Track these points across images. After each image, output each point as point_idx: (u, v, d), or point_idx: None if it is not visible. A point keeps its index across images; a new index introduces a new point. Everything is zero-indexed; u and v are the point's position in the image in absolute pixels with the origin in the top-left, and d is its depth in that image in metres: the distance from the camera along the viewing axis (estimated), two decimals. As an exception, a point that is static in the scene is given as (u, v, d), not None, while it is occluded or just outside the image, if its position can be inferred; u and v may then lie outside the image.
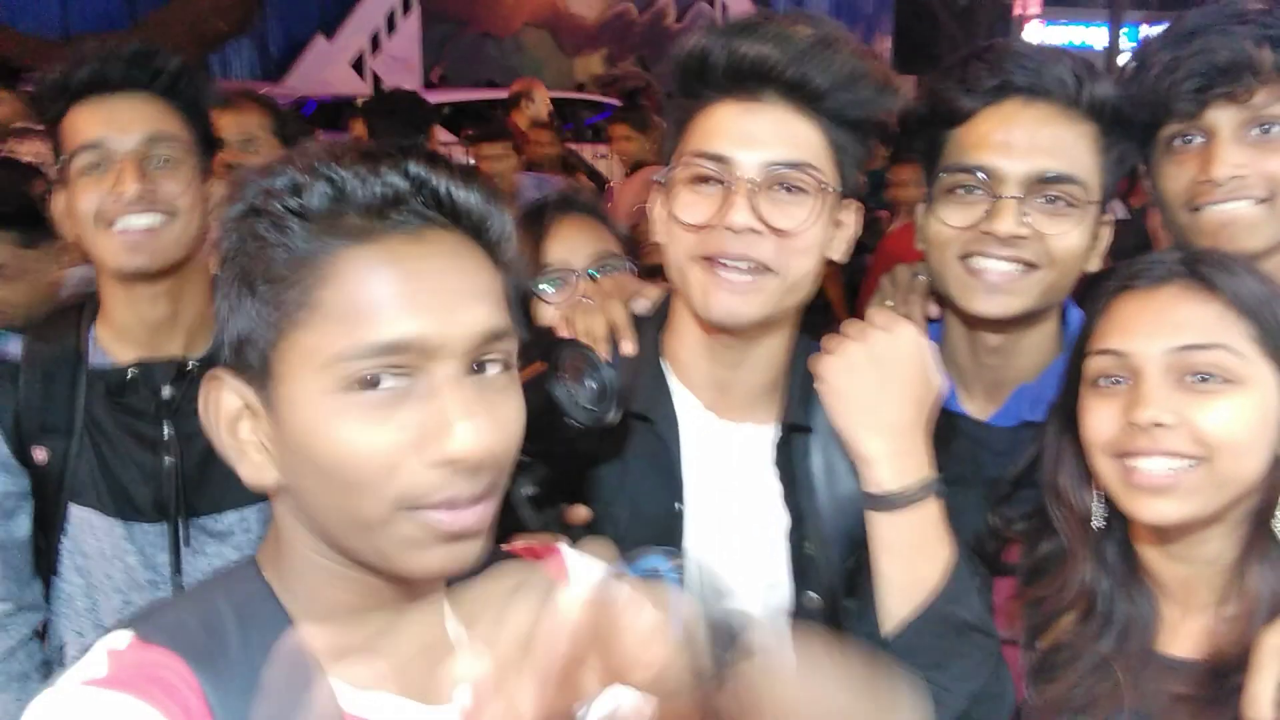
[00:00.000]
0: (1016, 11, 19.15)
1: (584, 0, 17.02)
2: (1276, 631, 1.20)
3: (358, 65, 14.44)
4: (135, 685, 0.86)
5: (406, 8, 15.11)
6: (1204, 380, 1.25)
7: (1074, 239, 1.52)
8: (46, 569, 1.85)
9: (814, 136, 1.36)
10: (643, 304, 1.60)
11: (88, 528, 1.81)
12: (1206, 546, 1.30)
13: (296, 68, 13.08)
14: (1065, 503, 1.39)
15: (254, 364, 0.93)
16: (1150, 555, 1.35)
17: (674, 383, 1.48)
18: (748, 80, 1.36)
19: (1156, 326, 1.29)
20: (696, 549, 1.45)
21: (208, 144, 1.88)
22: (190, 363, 1.85)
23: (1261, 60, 1.50)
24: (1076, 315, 1.64)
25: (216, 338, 1.00)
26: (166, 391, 1.82)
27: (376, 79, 14.59)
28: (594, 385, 1.35)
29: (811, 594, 1.46)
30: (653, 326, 1.52)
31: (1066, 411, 1.37)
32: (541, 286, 1.94)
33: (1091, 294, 1.42)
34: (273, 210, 0.90)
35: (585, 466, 1.44)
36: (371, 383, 0.87)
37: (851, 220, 1.44)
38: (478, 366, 0.92)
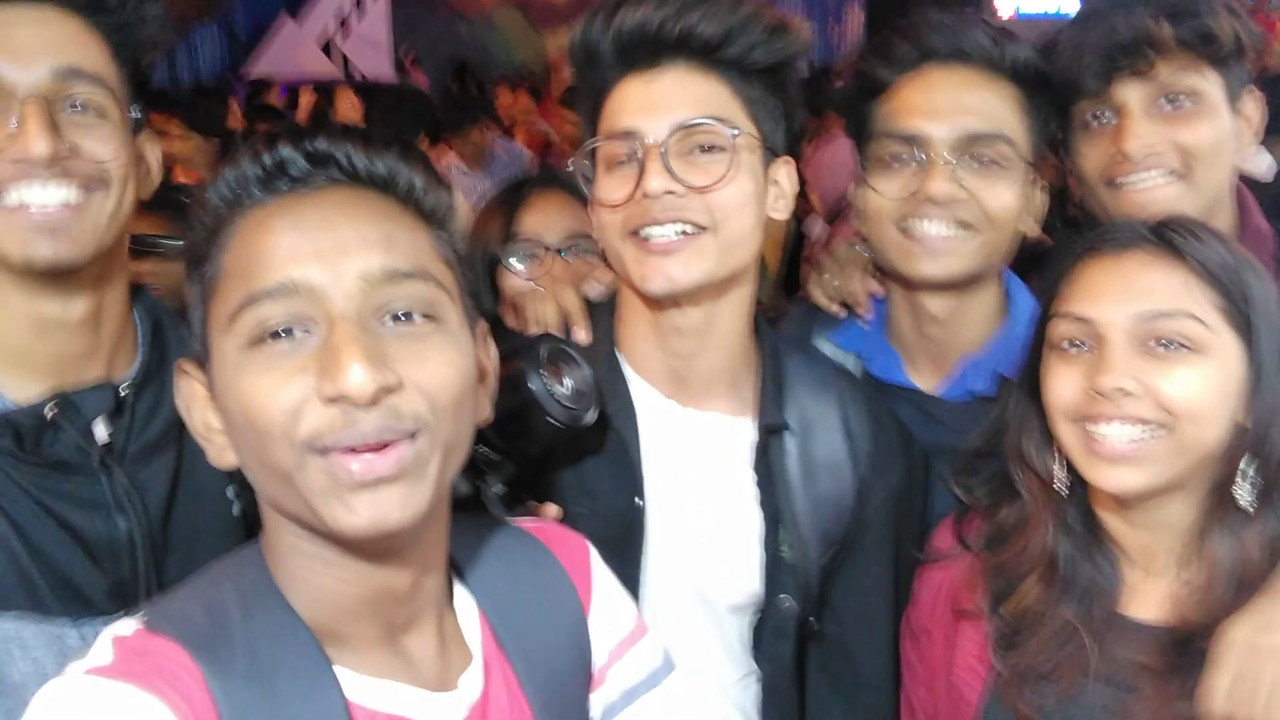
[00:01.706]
0: (988, -19, 19.11)
1: (555, -23, 16.85)
2: (1237, 626, 1.22)
3: (326, 48, 14.26)
4: (138, 674, 0.87)
5: (375, -12, 14.92)
6: (1168, 347, 1.26)
7: (1007, 198, 1.55)
8: None
9: (719, 91, 1.35)
10: (596, 288, 1.57)
11: (16, 649, 1.24)
12: (1166, 511, 1.32)
13: (264, 52, 12.89)
14: (1028, 467, 1.40)
15: (200, 346, 0.99)
16: (1111, 520, 1.37)
17: (629, 373, 1.45)
18: (638, 50, 1.35)
19: (1122, 293, 1.30)
20: (659, 547, 1.42)
21: (138, 85, 1.35)
22: (123, 388, 1.34)
23: (1162, 35, 1.53)
24: (1017, 285, 1.67)
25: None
26: (102, 432, 1.30)
27: (346, 61, 14.43)
28: (572, 383, 1.32)
29: (786, 597, 1.45)
30: (605, 314, 1.50)
31: (1030, 376, 1.38)
32: (509, 259, 1.91)
33: (1052, 259, 1.45)
34: (202, 197, 0.98)
35: (545, 462, 1.42)
36: (272, 334, 0.91)
37: (786, 177, 1.42)
38: (401, 316, 0.94)
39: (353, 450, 0.91)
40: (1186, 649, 1.26)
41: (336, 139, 0.98)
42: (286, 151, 0.96)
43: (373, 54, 14.48)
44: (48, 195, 1.22)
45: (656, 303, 1.39)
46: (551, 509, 1.40)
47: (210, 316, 0.97)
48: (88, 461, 1.28)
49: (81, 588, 1.28)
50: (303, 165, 0.96)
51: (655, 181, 1.31)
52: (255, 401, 0.91)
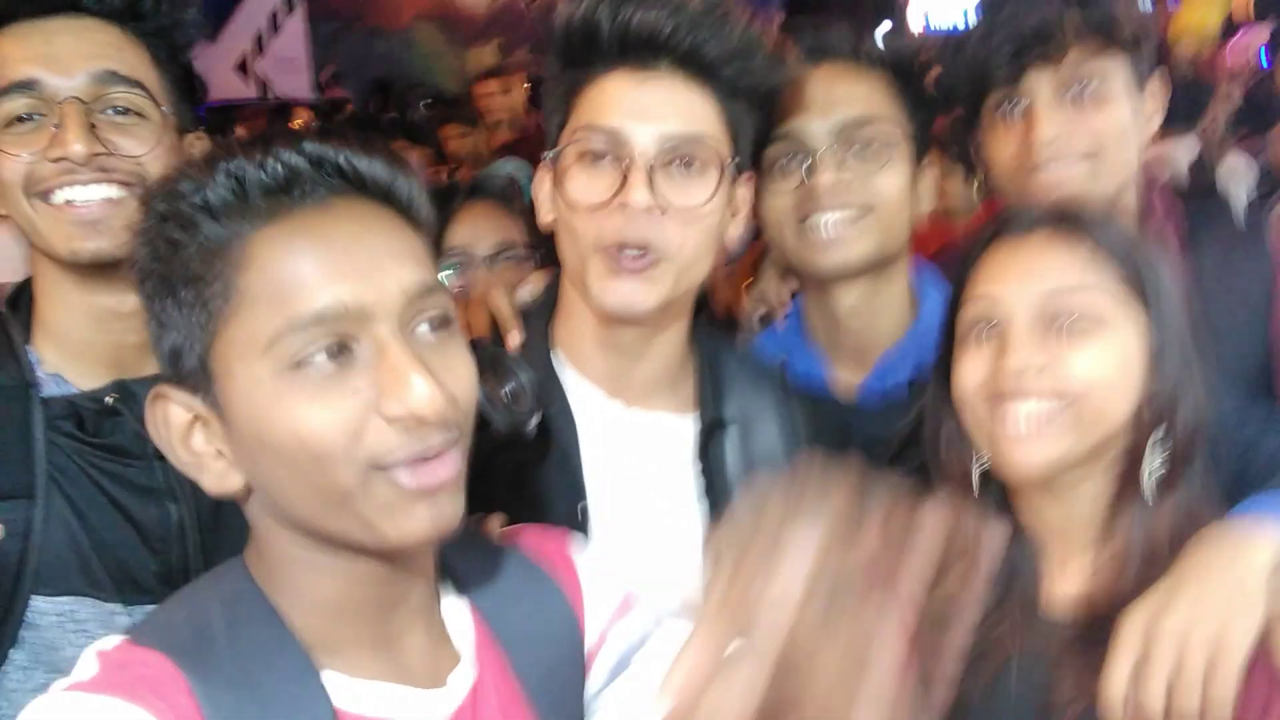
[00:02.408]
0: (901, -17, 19.46)
1: (473, -9, 16.80)
2: (1136, 611, 1.25)
3: (242, 68, 14.04)
4: (123, 687, 0.87)
5: (290, 6, 14.72)
6: (1072, 323, 1.31)
7: (892, 176, 1.63)
8: None
9: (709, 108, 1.36)
10: (527, 291, 1.58)
11: (69, 623, 1.35)
12: (1082, 488, 1.36)
13: (179, 74, 12.66)
14: (945, 461, 1.44)
15: (193, 371, 0.95)
16: (1027, 500, 1.41)
17: (569, 374, 1.46)
18: (639, 50, 1.34)
19: (1025, 273, 1.34)
20: (605, 547, 1.43)
21: (185, 89, 1.49)
22: None
23: (1068, 22, 1.60)
24: (927, 276, 1.72)
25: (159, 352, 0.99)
26: None
27: (263, 83, 14.21)
28: (512, 389, 1.32)
29: None
30: (540, 316, 1.50)
31: (945, 364, 1.41)
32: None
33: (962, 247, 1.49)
34: (180, 212, 0.92)
35: (485, 470, 1.41)
36: (315, 357, 0.90)
37: (744, 197, 1.44)
38: (430, 324, 0.96)
39: (412, 463, 0.93)
40: (1103, 621, 1.29)
41: (333, 143, 0.97)
42: (294, 160, 0.94)
43: (291, 74, 14.26)
44: (89, 193, 1.34)
45: (605, 316, 1.40)
46: (495, 521, 1.39)
47: (224, 340, 0.94)
48: (144, 448, 1.38)
49: (134, 571, 1.37)
50: (310, 173, 0.94)
51: (639, 195, 1.30)
52: (308, 426, 0.90)
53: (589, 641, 1.21)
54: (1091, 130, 1.64)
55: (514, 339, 1.52)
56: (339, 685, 0.99)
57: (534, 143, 7.10)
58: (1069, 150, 1.64)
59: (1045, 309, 1.31)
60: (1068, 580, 1.40)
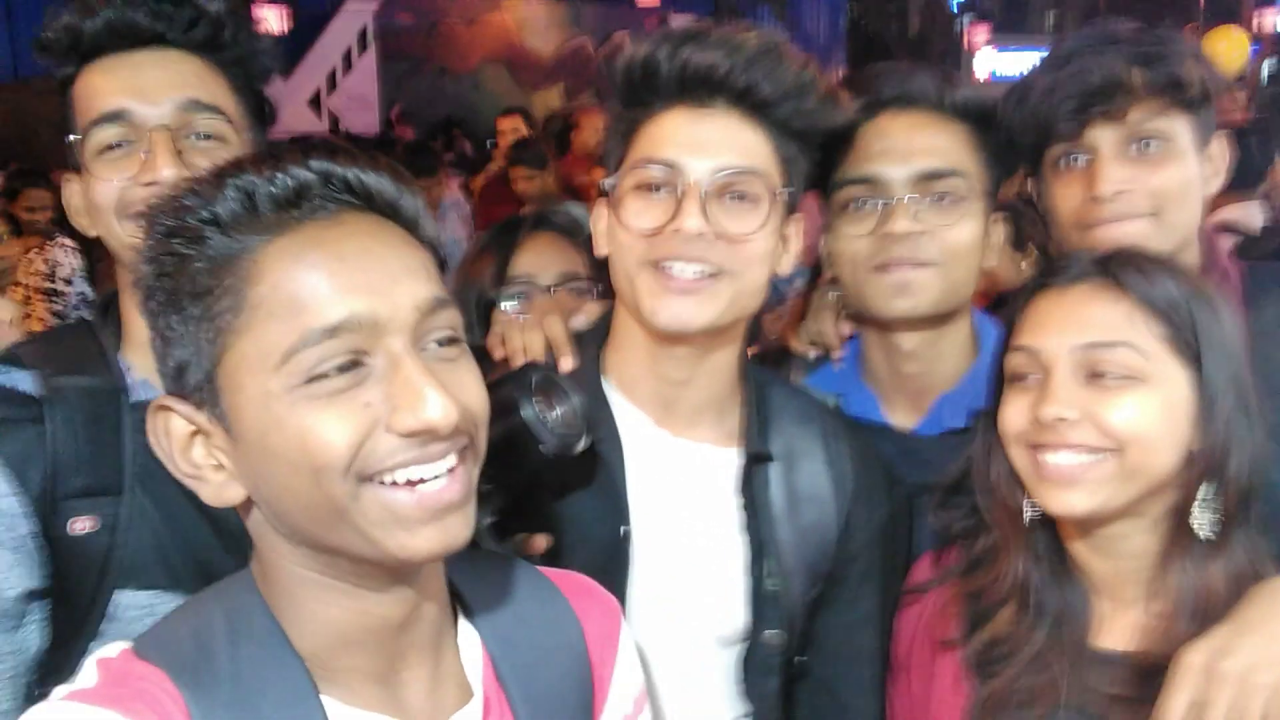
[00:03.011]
0: (967, 40, 19.50)
1: (540, 35, 17.15)
2: (1195, 650, 1.21)
3: (315, 103, 14.42)
4: (121, 699, 0.86)
5: (364, 46, 15.13)
6: (1108, 376, 1.29)
7: (964, 231, 1.59)
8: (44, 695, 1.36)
9: (763, 145, 1.38)
10: (581, 320, 1.58)
11: (149, 617, 1.34)
12: (1130, 542, 1.34)
13: (253, 107, 13.02)
14: (997, 498, 1.41)
15: (198, 384, 0.93)
16: (1077, 549, 1.38)
17: (618, 399, 1.46)
18: (697, 88, 1.36)
19: (1065, 324, 1.33)
20: (644, 577, 1.43)
21: (260, 114, 1.52)
22: None
23: (1134, 80, 1.56)
24: (985, 321, 1.70)
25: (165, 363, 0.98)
26: None
27: (334, 118, 14.57)
28: (563, 411, 1.33)
29: (773, 632, 1.44)
30: (593, 342, 1.51)
31: (993, 409, 1.41)
32: (503, 302, 1.92)
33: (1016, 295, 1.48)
34: (187, 226, 0.91)
35: (530, 490, 1.40)
36: (330, 371, 0.88)
37: (796, 233, 1.44)
38: (442, 341, 0.93)
39: (411, 483, 0.90)
40: (1154, 680, 1.26)
41: (341, 159, 0.95)
42: (302, 174, 0.92)
43: (361, 110, 14.64)
44: None
45: (657, 334, 1.41)
46: (541, 540, 1.39)
47: (234, 353, 0.90)
48: None
49: (212, 567, 1.35)
50: (319, 188, 0.92)
51: (692, 221, 1.32)
52: (313, 438, 0.88)
53: (602, 692, 1.17)
54: (1152, 189, 1.58)
55: (567, 363, 1.51)
56: (335, 711, 0.95)
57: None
58: (1129, 208, 1.58)
59: (1084, 361, 1.30)
60: (1119, 630, 1.35)
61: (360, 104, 14.92)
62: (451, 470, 0.92)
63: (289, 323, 0.88)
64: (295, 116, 13.45)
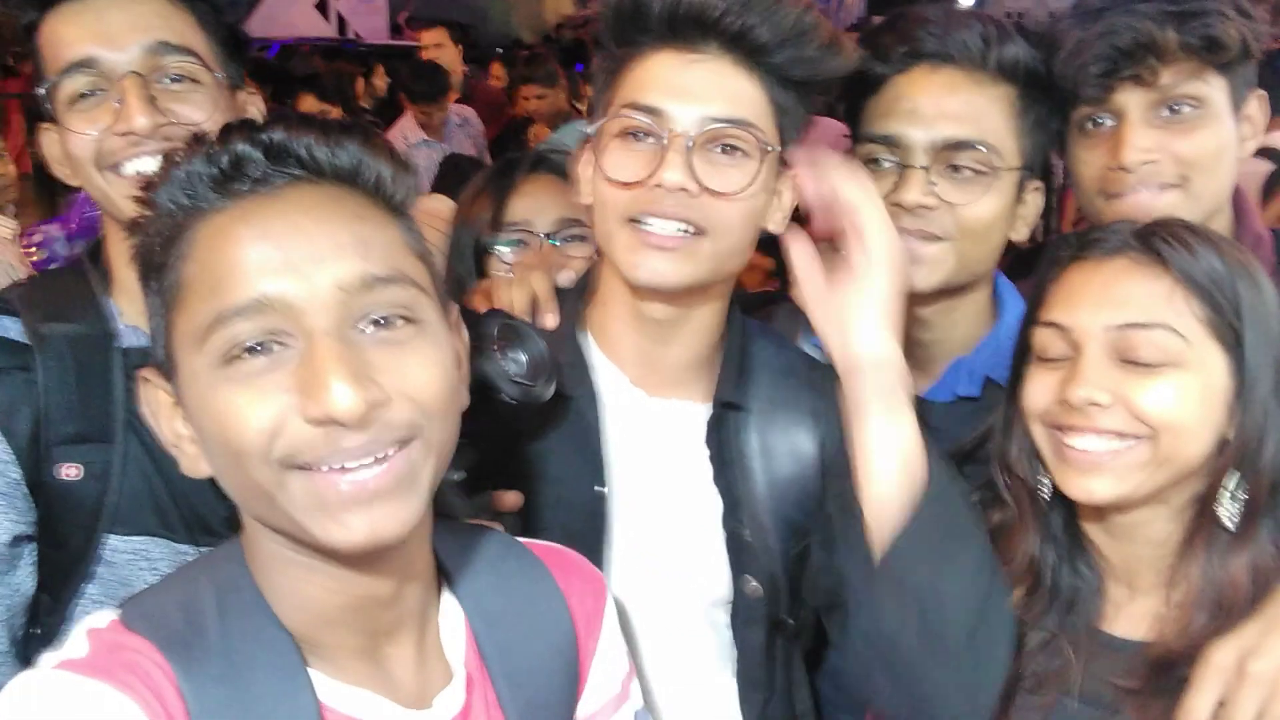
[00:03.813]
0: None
1: (554, -62, 16.69)
2: (1223, 648, 1.17)
3: (322, 7, 14.12)
4: (111, 671, 0.85)
5: (371, -54, 14.76)
6: (1144, 359, 1.22)
7: (983, 208, 1.49)
8: (44, 636, 1.37)
9: (755, 93, 1.30)
10: (566, 276, 1.54)
11: (143, 561, 1.40)
12: (1150, 528, 1.29)
13: (260, 10, 12.74)
14: (1014, 473, 1.37)
15: (162, 358, 0.93)
16: (1094, 532, 1.34)
17: (599, 357, 1.42)
18: (687, 29, 1.29)
19: (1100, 301, 1.25)
20: (623, 534, 1.40)
21: (233, 47, 1.47)
22: None
23: (1165, 41, 1.46)
24: (1007, 287, 1.64)
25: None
26: None
27: (342, 21, 14.28)
28: (525, 358, 1.29)
29: (750, 579, 1.41)
30: (573, 299, 1.46)
31: (1016, 381, 1.35)
32: (498, 246, 1.87)
33: (1041, 262, 1.41)
34: (148, 201, 0.92)
35: (509, 448, 1.37)
36: (248, 351, 0.86)
37: (790, 189, 1.39)
38: (381, 321, 0.89)
39: (341, 469, 0.88)
40: (1169, 672, 1.22)
41: (295, 130, 0.92)
42: (243, 148, 0.90)
43: (368, 14, 14.34)
44: (156, 162, 1.31)
45: (637, 290, 1.35)
46: (510, 496, 1.37)
47: (175, 330, 0.92)
48: None
49: (204, 514, 1.39)
50: (261, 162, 0.90)
51: (673, 174, 1.26)
52: (230, 421, 0.87)
53: (586, 705, 1.17)
54: (1181, 156, 1.50)
55: (550, 320, 1.45)
56: (323, 685, 0.95)
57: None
58: (1155, 177, 1.50)
59: (1118, 342, 1.23)
60: (1134, 618, 1.31)
61: (367, 7, 14.61)
62: (381, 460, 0.88)
63: (209, 301, 0.87)
64: (303, 20, 13.18)
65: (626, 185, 1.28)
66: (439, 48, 6.68)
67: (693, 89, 1.29)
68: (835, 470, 1.39)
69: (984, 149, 1.49)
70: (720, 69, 1.30)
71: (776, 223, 1.37)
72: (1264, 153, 4.20)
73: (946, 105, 1.50)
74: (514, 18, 15.80)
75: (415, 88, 5.94)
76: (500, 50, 11.57)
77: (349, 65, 8.41)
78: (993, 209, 1.51)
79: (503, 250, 1.86)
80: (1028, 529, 1.36)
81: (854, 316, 1.25)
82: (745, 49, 1.29)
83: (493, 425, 1.25)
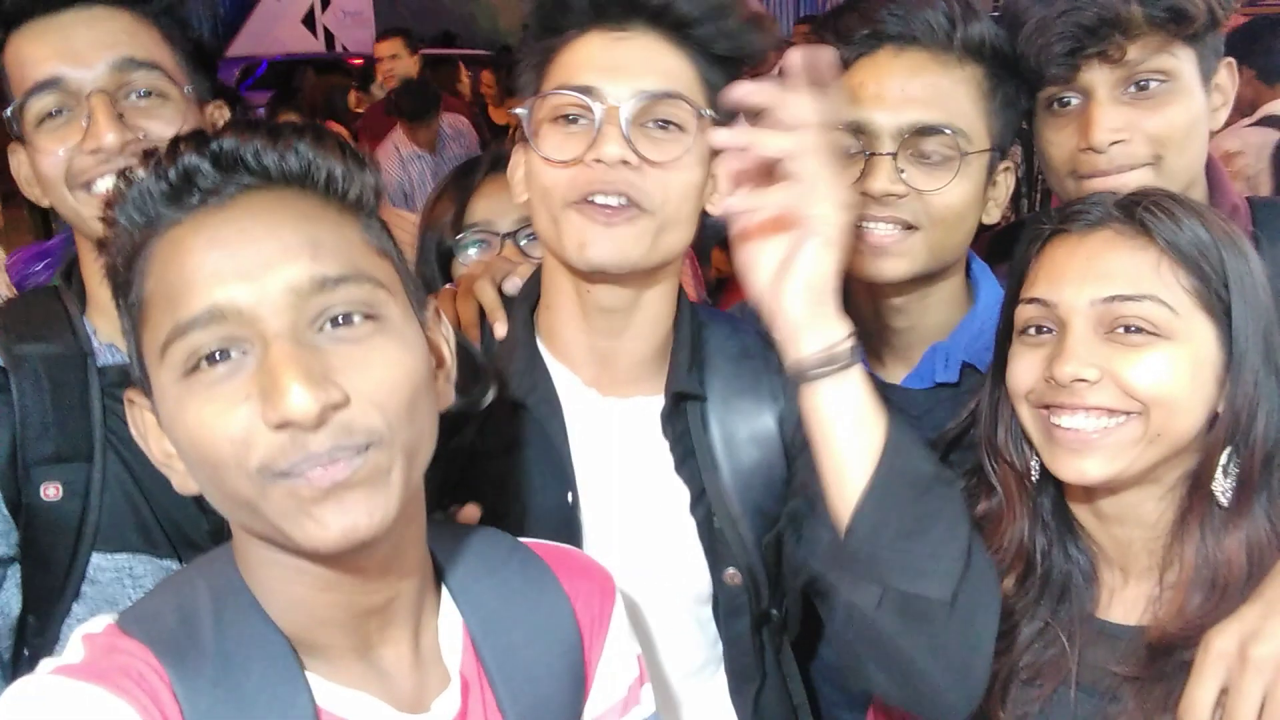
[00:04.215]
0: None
1: (538, -56, 16.65)
2: (1223, 634, 1.14)
3: (309, 21, 14.14)
4: (107, 675, 0.85)
5: (356, -40, 14.77)
6: (1132, 333, 1.19)
7: (954, 194, 1.46)
8: (34, 657, 1.37)
9: (684, 68, 1.30)
10: (513, 283, 1.51)
11: (127, 579, 1.40)
12: (1141, 509, 1.25)
13: (246, 28, 12.77)
14: (1002, 457, 1.33)
15: (139, 377, 0.94)
16: (1084, 516, 1.30)
17: (552, 363, 1.40)
18: (612, 9, 1.29)
19: (1085, 275, 1.22)
20: (597, 541, 1.38)
21: (199, 60, 1.48)
22: None
23: (1130, 15, 1.42)
24: (982, 269, 1.61)
25: None
26: None
27: (329, 35, 14.29)
28: (465, 371, 1.28)
29: (731, 569, 1.40)
30: (524, 305, 1.44)
31: (1000, 362, 1.32)
32: (461, 248, 1.87)
33: (1021, 240, 1.36)
34: (109, 219, 0.93)
35: (470, 464, 1.36)
36: (207, 361, 0.86)
37: (726, 171, 1.38)
38: (340, 320, 0.89)
39: (306, 470, 0.87)
40: (1167, 656, 1.19)
41: (242, 137, 0.91)
42: (191, 160, 0.90)
43: (356, 27, 14.34)
44: None
45: (585, 278, 1.33)
46: (470, 511, 1.35)
47: (143, 346, 0.92)
48: None
49: (186, 529, 1.40)
50: (211, 173, 0.90)
51: (612, 148, 1.24)
52: (202, 434, 0.87)
53: (593, 707, 1.15)
54: (1152, 133, 1.46)
55: (500, 329, 1.43)
56: (320, 687, 0.95)
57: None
58: (1126, 156, 1.47)
59: (1105, 316, 1.19)
60: (1129, 603, 1.27)
61: (355, 20, 14.62)
62: (341, 456, 0.87)
63: (167, 314, 0.88)
64: (290, 36, 13.19)
65: (565, 165, 1.27)
66: (394, 59, 6.53)
67: (623, 65, 1.29)
68: (798, 447, 1.36)
69: (952, 133, 1.46)
70: (648, 45, 1.30)
71: (715, 205, 1.37)
72: (1270, 121, 4.17)
73: (912, 89, 1.47)
74: (501, 24, 15.80)
75: (402, 104, 5.90)
76: (491, 56, 11.54)
77: (341, 79, 8.37)
78: (964, 194, 1.48)
79: (466, 252, 1.86)
80: (1017, 514, 1.33)
81: (793, 307, 1.20)
82: (669, 23, 1.29)
83: (450, 440, 1.23)
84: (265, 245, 0.88)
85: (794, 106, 1.16)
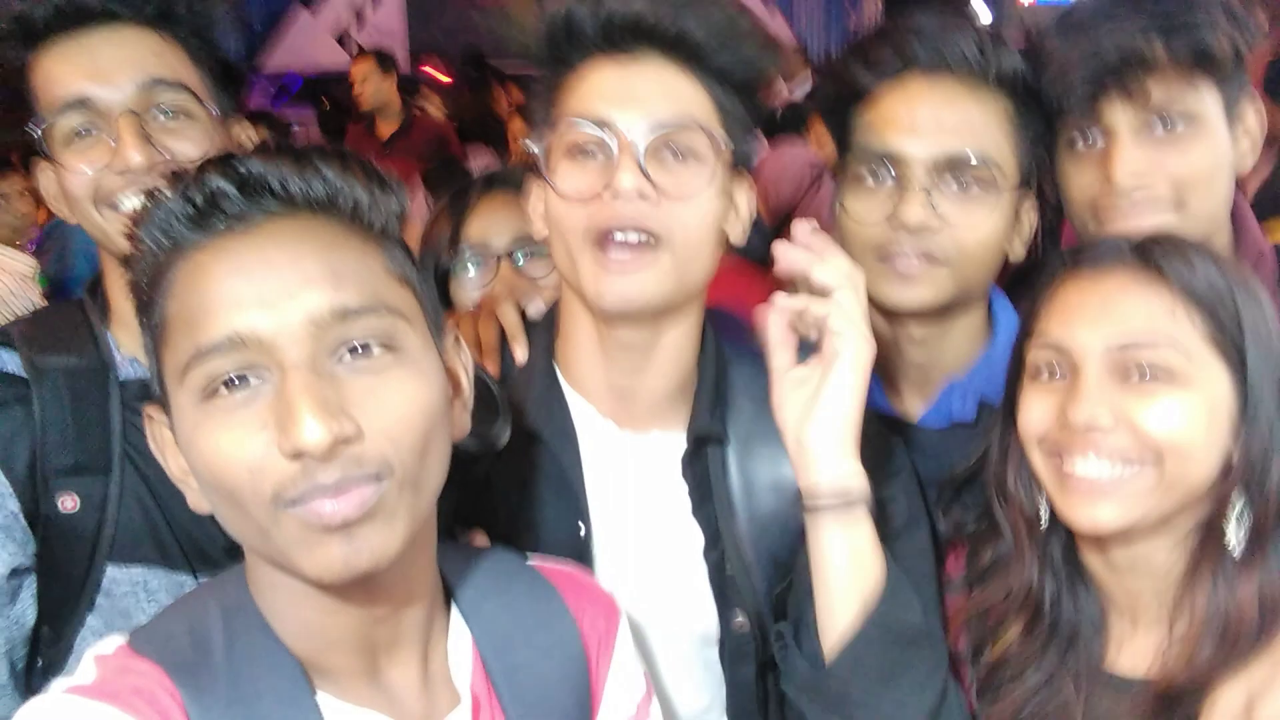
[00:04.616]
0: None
1: (570, -35, 16.77)
2: (1230, 690, 1.13)
3: (341, 39, 14.27)
4: (119, 695, 0.86)
5: (390, -22, 14.91)
6: (1146, 378, 1.18)
7: (986, 229, 1.45)
8: (47, 667, 1.40)
9: (699, 96, 1.29)
10: (536, 307, 1.51)
11: (142, 592, 1.42)
12: (1153, 559, 1.24)
13: (279, 43, 12.89)
14: (1012, 501, 1.32)
15: (158, 394, 0.95)
16: (1094, 564, 1.29)
17: (570, 393, 1.39)
18: (623, 38, 1.28)
19: (1100, 318, 1.21)
20: (609, 575, 1.38)
21: (225, 78, 1.50)
22: None
23: (1154, 54, 1.40)
24: (1002, 304, 1.60)
25: None
26: None
27: (361, 51, 14.41)
28: (481, 404, 1.27)
29: (738, 614, 1.39)
30: (545, 332, 1.43)
31: (1011, 403, 1.31)
32: (458, 268, 1.86)
33: (1034, 277, 1.36)
34: (135, 238, 0.94)
35: (484, 491, 1.36)
36: (225, 387, 0.87)
37: (745, 197, 1.37)
38: (358, 349, 0.90)
39: (316, 498, 0.89)
40: (1174, 708, 1.18)
41: (269, 162, 0.92)
42: (217, 184, 0.91)
43: (388, 44, 14.46)
44: None
45: (604, 317, 1.33)
46: (478, 538, 1.35)
47: (164, 366, 0.94)
48: None
49: (202, 543, 1.41)
50: (236, 197, 0.91)
51: (628, 179, 1.23)
52: (218, 460, 0.88)
53: (599, 692, 1.16)
54: (1176, 175, 1.45)
55: (520, 354, 1.44)
56: (330, 707, 0.97)
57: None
58: (1147, 197, 1.46)
59: (1118, 360, 1.19)
60: (1138, 653, 1.26)
61: (387, 37, 14.75)
62: (350, 488, 0.88)
63: (188, 337, 0.89)
64: (323, 53, 13.31)
65: (583, 200, 1.26)
66: (364, 82, 6.38)
67: (637, 95, 1.27)
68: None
69: (987, 165, 1.44)
70: (661, 74, 1.28)
71: (737, 233, 1.36)
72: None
73: (946, 118, 1.45)
74: (530, 40, 15.84)
75: (429, 177, 5.90)
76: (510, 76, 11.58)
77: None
78: (995, 228, 1.46)
79: (465, 273, 1.85)
80: (1026, 559, 1.31)
81: (816, 441, 1.24)
82: (683, 52, 1.28)
83: (457, 471, 1.24)
84: (287, 273, 0.89)
85: (830, 268, 1.24)
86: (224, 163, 0.93)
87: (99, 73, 1.36)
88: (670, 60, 1.29)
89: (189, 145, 1.39)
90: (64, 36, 1.37)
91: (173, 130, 1.39)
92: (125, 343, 1.44)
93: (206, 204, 0.91)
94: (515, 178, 1.94)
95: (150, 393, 0.97)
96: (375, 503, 0.90)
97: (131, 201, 1.34)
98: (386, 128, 6.39)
